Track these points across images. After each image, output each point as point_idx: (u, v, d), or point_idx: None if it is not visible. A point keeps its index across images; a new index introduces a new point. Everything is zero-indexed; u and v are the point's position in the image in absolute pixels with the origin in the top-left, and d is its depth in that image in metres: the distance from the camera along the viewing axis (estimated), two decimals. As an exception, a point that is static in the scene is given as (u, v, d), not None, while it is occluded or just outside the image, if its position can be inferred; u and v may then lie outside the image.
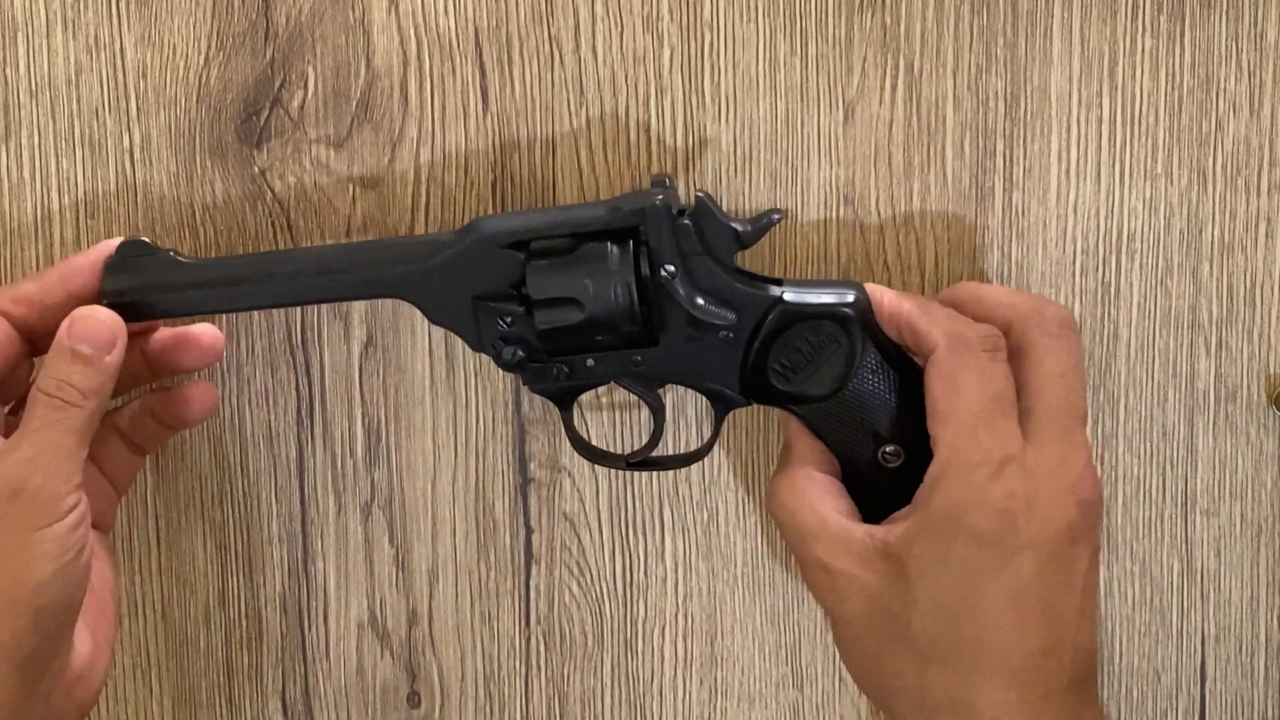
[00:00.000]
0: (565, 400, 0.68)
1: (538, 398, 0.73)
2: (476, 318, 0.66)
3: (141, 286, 0.67)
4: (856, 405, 0.65)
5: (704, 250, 0.64)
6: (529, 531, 0.74)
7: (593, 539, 0.74)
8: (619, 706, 0.75)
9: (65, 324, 0.64)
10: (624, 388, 0.68)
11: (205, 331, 0.70)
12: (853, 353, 0.65)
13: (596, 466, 0.73)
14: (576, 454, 0.71)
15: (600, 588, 0.75)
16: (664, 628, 0.75)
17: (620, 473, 0.74)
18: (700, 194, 0.65)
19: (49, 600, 0.63)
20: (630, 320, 0.64)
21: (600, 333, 0.64)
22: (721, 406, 0.67)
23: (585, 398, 0.72)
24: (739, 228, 0.64)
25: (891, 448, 0.65)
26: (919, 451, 0.64)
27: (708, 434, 0.70)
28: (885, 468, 0.65)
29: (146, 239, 0.68)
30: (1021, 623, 0.61)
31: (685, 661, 0.75)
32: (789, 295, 0.65)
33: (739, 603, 0.74)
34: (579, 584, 0.75)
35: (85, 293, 0.67)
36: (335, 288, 0.67)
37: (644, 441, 0.71)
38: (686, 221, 0.64)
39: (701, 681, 0.75)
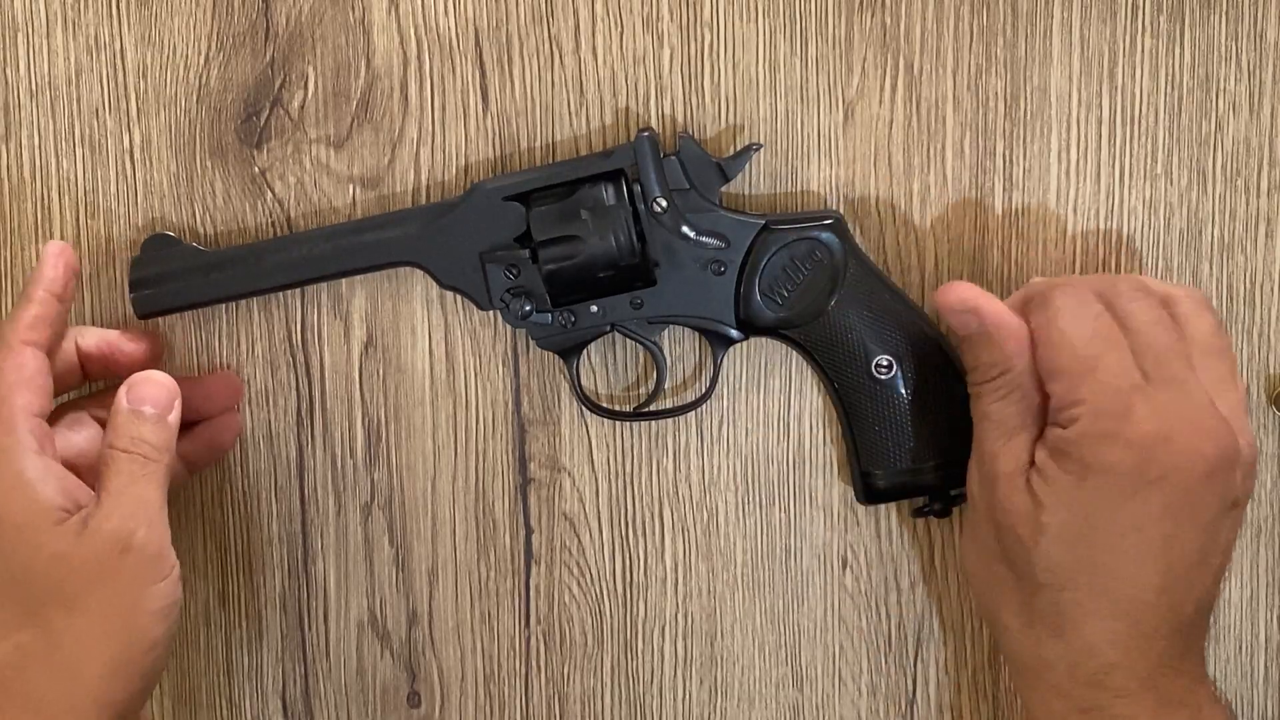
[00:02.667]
0: (571, 353, 0.70)
1: (537, 397, 0.73)
2: (484, 273, 0.69)
3: (167, 275, 0.70)
4: (845, 321, 0.68)
5: (691, 185, 0.68)
6: (529, 531, 0.74)
7: (593, 539, 0.74)
8: (619, 706, 0.75)
9: (124, 389, 0.66)
10: (626, 335, 0.70)
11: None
12: (836, 269, 0.69)
13: (596, 466, 0.73)
14: (580, 458, 0.72)
15: (600, 588, 0.75)
16: (664, 628, 0.75)
17: (620, 472, 0.74)
18: (683, 135, 0.69)
19: (157, 658, 0.65)
20: (629, 254, 0.67)
21: (602, 270, 0.67)
22: (719, 345, 0.70)
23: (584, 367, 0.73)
24: (721, 161, 0.69)
25: (884, 359, 0.68)
26: (908, 360, 0.68)
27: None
28: (878, 380, 0.69)
29: (170, 233, 0.71)
30: (1140, 554, 0.62)
31: (685, 661, 0.75)
32: (773, 221, 0.69)
33: (739, 603, 0.74)
34: (579, 584, 0.75)
35: (69, 293, 0.68)
36: (349, 258, 0.70)
37: (642, 400, 0.73)
38: (673, 158, 0.68)
39: (701, 681, 0.75)
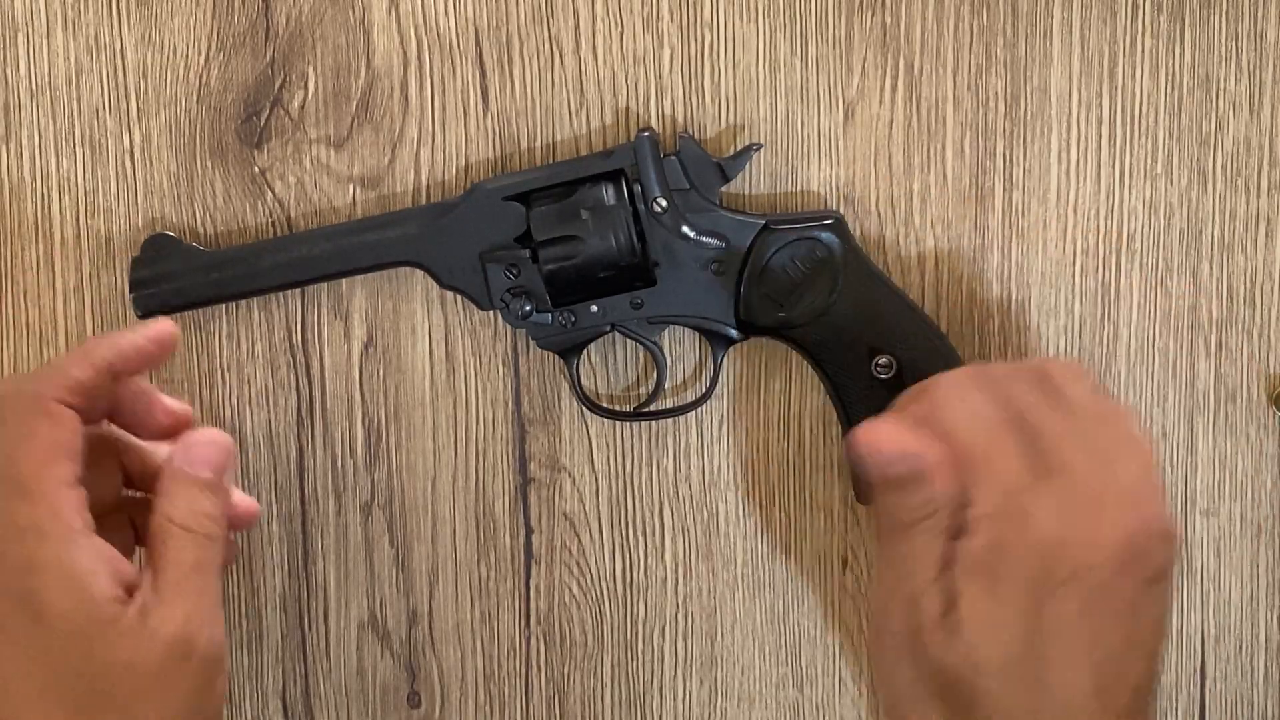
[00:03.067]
0: (571, 353, 0.70)
1: (537, 397, 0.73)
2: (485, 273, 0.69)
3: (167, 275, 0.70)
4: (845, 322, 0.69)
5: (691, 185, 0.68)
6: (529, 531, 0.74)
7: (593, 539, 0.74)
8: (619, 706, 0.75)
9: (180, 450, 0.61)
10: (626, 335, 0.70)
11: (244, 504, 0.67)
12: (836, 269, 0.69)
13: (596, 466, 0.73)
14: (580, 458, 0.72)
15: (600, 588, 0.75)
16: (664, 628, 0.75)
17: (620, 472, 0.74)
18: (683, 135, 0.69)
19: None
20: (629, 254, 0.67)
21: (602, 270, 0.68)
22: (719, 345, 0.70)
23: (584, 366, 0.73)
24: (721, 161, 0.69)
25: (884, 359, 0.69)
26: (909, 359, 0.68)
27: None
28: (879, 380, 0.69)
29: (171, 233, 0.71)
30: (1067, 660, 0.57)
31: (685, 661, 0.75)
32: (773, 221, 0.69)
33: (739, 603, 0.74)
34: (579, 584, 0.75)
35: (126, 378, 0.62)
36: (349, 258, 0.70)
37: (642, 400, 0.73)
38: (673, 158, 0.68)
39: (701, 681, 0.75)
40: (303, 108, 0.72)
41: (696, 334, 0.72)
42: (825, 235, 0.69)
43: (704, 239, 0.68)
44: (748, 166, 0.70)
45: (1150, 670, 0.60)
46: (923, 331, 0.69)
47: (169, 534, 0.59)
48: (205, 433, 0.62)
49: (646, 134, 0.68)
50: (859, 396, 0.69)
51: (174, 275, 0.70)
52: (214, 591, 0.60)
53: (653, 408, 0.72)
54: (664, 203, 0.68)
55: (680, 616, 0.75)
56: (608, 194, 0.68)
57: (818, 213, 0.70)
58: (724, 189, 0.70)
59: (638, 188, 0.68)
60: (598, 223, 0.67)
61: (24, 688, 0.58)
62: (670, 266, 0.69)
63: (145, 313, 0.70)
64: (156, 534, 0.59)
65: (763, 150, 0.71)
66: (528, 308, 0.69)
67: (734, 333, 0.70)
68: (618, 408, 0.73)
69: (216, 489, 0.61)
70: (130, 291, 0.70)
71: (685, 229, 0.68)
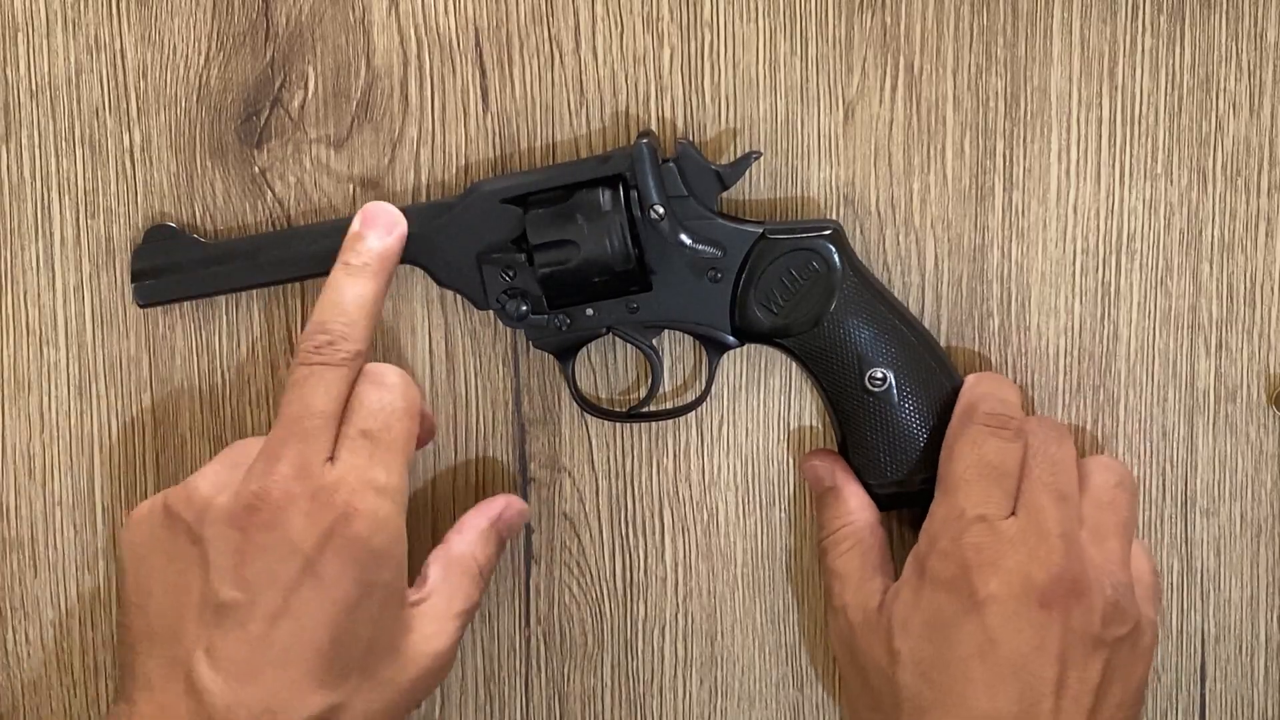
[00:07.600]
0: (567, 354, 0.70)
1: (537, 397, 0.73)
2: (481, 274, 0.69)
3: (168, 266, 0.70)
4: (841, 332, 0.68)
5: (689, 192, 0.68)
6: (529, 531, 0.74)
7: (593, 539, 0.74)
8: (619, 706, 0.75)
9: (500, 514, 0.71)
10: (622, 338, 0.70)
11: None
12: (832, 280, 0.68)
13: (596, 466, 0.73)
14: (580, 458, 0.72)
15: (600, 588, 0.75)
16: (664, 628, 0.75)
17: (620, 472, 0.74)
18: (682, 141, 0.68)
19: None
20: (624, 260, 0.67)
21: (597, 274, 0.67)
22: (714, 351, 0.70)
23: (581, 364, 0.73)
24: (720, 169, 0.68)
25: (879, 372, 0.68)
26: (903, 373, 0.68)
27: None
28: (872, 392, 0.69)
29: (172, 224, 0.71)
30: (990, 679, 0.62)
31: (685, 661, 0.75)
32: (770, 230, 0.69)
33: (739, 603, 0.74)
34: (579, 584, 0.75)
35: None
36: None
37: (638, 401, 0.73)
38: (671, 164, 0.68)
39: (701, 681, 0.75)
40: (303, 108, 0.72)
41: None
42: (822, 245, 0.68)
43: (701, 247, 0.68)
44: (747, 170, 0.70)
45: None
46: (919, 345, 0.69)
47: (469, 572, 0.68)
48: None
49: (645, 140, 0.67)
50: (851, 408, 0.69)
51: (175, 266, 0.70)
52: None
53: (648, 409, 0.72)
54: (661, 210, 0.67)
55: (680, 616, 0.75)
56: (604, 199, 0.67)
57: (816, 222, 0.69)
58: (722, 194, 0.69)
59: (635, 193, 0.68)
60: (593, 228, 0.67)
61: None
62: (666, 273, 0.68)
63: (146, 303, 0.71)
64: (456, 564, 0.68)
65: (762, 150, 0.71)
66: (524, 309, 0.69)
67: (730, 339, 0.69)
68: (617, 408, 0.73)
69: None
70: (132, 281, 0.70)
71: (682, 236, 0.68)
